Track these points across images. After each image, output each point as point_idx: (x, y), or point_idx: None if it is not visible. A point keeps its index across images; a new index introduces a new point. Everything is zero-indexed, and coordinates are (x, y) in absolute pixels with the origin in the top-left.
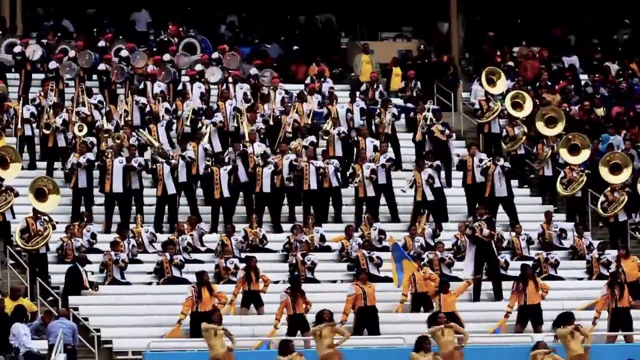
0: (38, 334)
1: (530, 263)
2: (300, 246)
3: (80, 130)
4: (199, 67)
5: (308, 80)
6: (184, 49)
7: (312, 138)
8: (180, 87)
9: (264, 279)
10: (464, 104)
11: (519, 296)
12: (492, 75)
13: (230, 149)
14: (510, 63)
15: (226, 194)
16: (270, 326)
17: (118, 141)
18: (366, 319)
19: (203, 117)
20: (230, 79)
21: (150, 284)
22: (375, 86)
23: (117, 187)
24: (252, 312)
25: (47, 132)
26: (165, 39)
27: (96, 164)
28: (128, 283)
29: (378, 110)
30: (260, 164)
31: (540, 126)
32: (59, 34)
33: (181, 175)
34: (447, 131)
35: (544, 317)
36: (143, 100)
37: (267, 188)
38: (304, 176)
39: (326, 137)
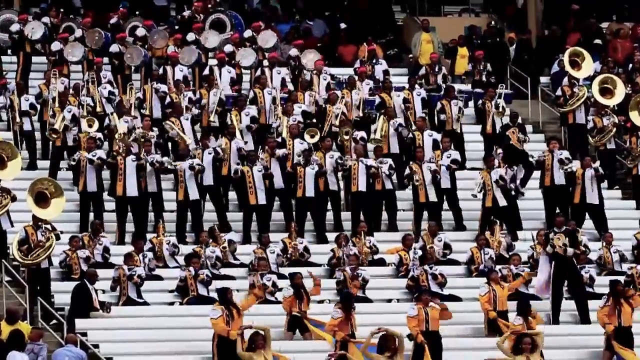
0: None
1: (622, 279)
2: (349, 259)
3: (90, 126)
4: (228, 48)
5: (357, 64)
6: (211, 26)
7: (363, 133)
8: (206, 71)
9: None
10: (543, 90)
11: (612, 317)
12: (576, 57)
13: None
14: (598, 41)
15: (262, 199)
16: (316, 354)
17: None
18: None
19: (233, 108)
20: (265, 62)
21: (172, 304)
22: (437, 69)
23: (131, 190)
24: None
25: (55, 136)
26: (189, 15)
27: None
28: (146, 303)
29: (441, 105)
30: (302, 164)
31: (634, 116)
32: (63, 10)
33: (207, 178)
34: (525, 137)
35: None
36: (164, 88)
37: (310, 192)
38: (352, 176)
39: (379, 143)
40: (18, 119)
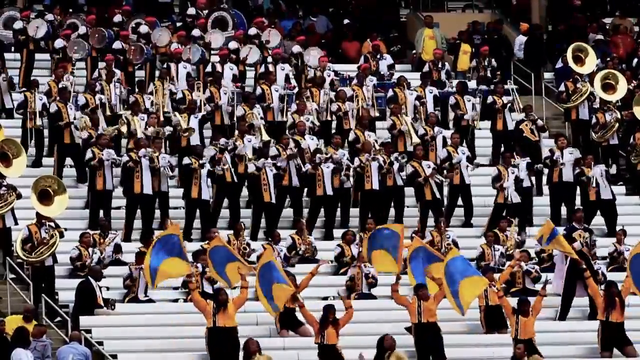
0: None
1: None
2: (359, 256)
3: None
4: (233, 44)
5: (361, 60)
6: (213, 24)
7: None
8: (208, 68)
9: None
10: (547, 86)
11: (602, 312)
12: (580, 52)
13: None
14: (600, 36)
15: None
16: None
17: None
18: (425, 339)
19: (239, 105)
20: (270, 59)
21: (176, 300)
22: (440, 65)
23: (147, 189)
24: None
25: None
26: (192, 12)
27: (121, 161)
28: (150, 300)
29: (455, 100)
30: (319, 162)
31: (638, 111)
32: (67, 7)
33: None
34: (539, 124)
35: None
36: (172, 87)
37: (329, 190)
38: (365, 174)
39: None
40: (38, 120)
